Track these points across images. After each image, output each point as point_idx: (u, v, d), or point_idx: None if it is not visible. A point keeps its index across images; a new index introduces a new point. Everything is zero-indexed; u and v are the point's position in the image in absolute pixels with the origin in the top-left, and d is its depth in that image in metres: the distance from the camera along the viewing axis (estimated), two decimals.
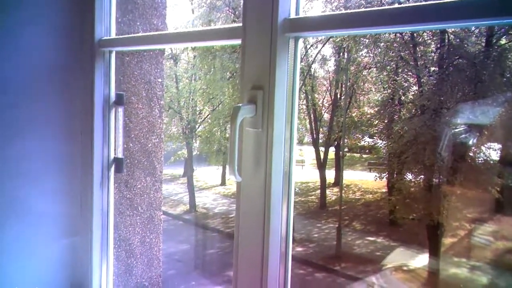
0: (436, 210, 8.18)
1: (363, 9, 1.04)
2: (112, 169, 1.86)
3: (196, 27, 11.76)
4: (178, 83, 12.82)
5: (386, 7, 1.03)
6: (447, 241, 8.35)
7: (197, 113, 13.38)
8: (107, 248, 1.90)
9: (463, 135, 7.40)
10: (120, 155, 1.85)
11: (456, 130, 7.39)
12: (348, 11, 1.07)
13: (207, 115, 13.28)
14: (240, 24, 1.22)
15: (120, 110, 1.81)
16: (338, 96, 11.01)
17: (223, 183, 13.82)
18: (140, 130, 2.02)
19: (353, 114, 10.70)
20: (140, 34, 1.90)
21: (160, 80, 2.05)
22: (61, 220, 1.86)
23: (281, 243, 1.22)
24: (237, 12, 10.77)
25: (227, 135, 12.80)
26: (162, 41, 1.63)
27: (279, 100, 1.14)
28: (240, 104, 1.16)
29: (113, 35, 1.78)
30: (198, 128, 13.34)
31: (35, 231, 1.79)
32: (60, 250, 1.87)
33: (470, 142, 7.47)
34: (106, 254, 1.90)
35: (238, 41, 1.23)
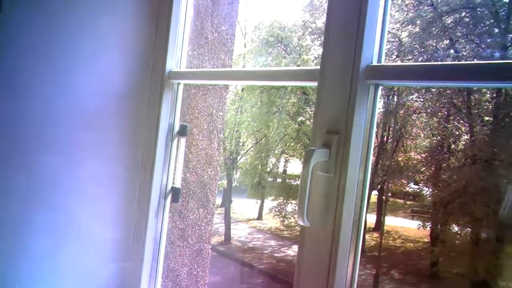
0: (482, 267, 7.74)
1: (447, 62, 1.01)
2: (169, 198, 1.87)
3: (247, 61, 12.02)
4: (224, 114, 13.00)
5: (473, 62, 1.01)
6: None
7: (240, 144, 13.48)
8: (155, 277, 1.89)
9: None
10: (178, 185, 1.86)
11: None
12: (432, 62, 1.04)
13: (250, 148, 13.34)
14: (317, 67, 1.22)
15: (183, 140, 1.84)
16: (385, 139, 10.82)
17: (259, 217, 13.69)
18: (198, 162, 2.04)
19: (399, 159, 10.44)
20: (212, 70, 1.94)
21: (221, 113, 2.08)
22: (114, 245, 1.87)
23: None
24: (288, 49, 10.93)
25: (268, 169, 12.78)
26: (234, 77, 1.66)
27: (355, 146, 1.11)
28: (313, 148, 1.14)
29: (182, 68, 1.83)
30: (239, 159, 13.41)
31: (88, 252, 1.81)
32: (110, 274, 1.88)
33: None
34: (154, 283, 1.89)
35: (314, 84, 1.23)
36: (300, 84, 1.36)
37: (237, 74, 1.67)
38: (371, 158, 1.15)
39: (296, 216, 1.19)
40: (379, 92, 1.13)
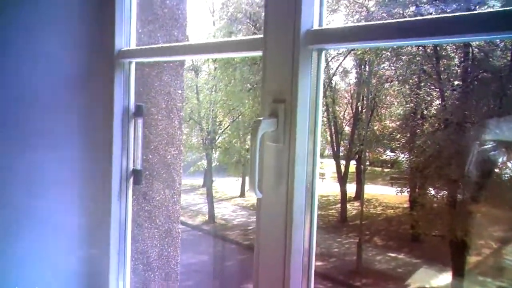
0: (460, 227, 7.96)
1: (390, 20, 0.99)
2: (131, 181, 1.84)
3: (217, 39, 11.86)
4: (198, 94, 12.91)
5: (416, 18, 0.99)
6: (471, 259, 8.11)
7: (217, 124, 13.44)
8: (124, 261, 1.88)
9: (490, 152, 7.20)
10: (138, 167, 1.83)
11: (484, 147, 7.20)
12: (374, 22, 1.03)
13: (227, 126, 13.32)
14: (261, 36, 1.19)
15: (140, 121, 1.80)
16: (360, 109, 10.90)
17: (242, 194, 13.79)
18: (159, 142, 2.01)
19: (375, 128, 10.56)
20: (160, 45, 1.89)
21: (180, 91, 2.04)
22: (78, 232, 1.84)
23: (303, 258, 1.17)
24: (257, 25, 10.81)
25: (247, 147, 12.79)
26: (182, 52, 1.61)
27: (301, 114, 1.10)
28: (261, 118, 1.12)
29: (133, 46, 1.78)
30: (218, 139, 13.38)
31: (52, 242, 1.78)
32: (77, 262, 1.85)
33: (497, 158, 7.27)
34: (123, 267, 1.88)
35: (259, 53, 1.20)
36: (248, 54, 1.32)
37: (186, 49, 1.63)
38: (320, 125, 1.14)
39: None
40: (323, 57, 1.12)
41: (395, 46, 7.86)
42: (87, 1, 1.72)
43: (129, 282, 1.92)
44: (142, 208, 2.03)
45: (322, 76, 1.13)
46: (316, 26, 1.09)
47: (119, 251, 1.87)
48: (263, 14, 1.19)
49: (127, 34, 1.73)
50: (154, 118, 1.98)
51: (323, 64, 1.12)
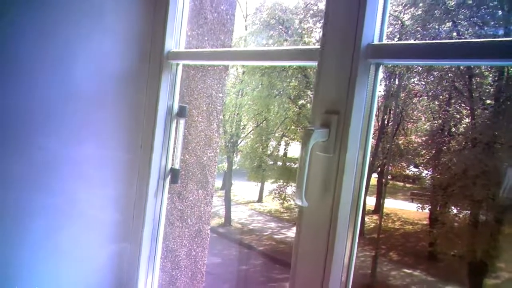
0: (480, 248, 7.81)
1: (452, 41, 0.99)
2: (168, 179, 1.87)
3: (248, 44, 11.92)
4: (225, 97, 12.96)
5: (481, 39, 0.98)
6: (489, 282, 7.94)
7: (241, 128, 13.47)
8: (154, 257, 1.90)
9: None
10: (177, 166, 1.86)
11: None
12: (437, 41, 1.02)
13: (250, 131, 13.34)
14: (317, 47, 1.20)
15: (182, 122, 1.82)
16: (386, 122, 10.79)
17: (260, 200, 13.78)
18: (198, 143, 2.03)
19: (400, 142, 10.44)
20: (211, 50, 1.91)
21: (221, 95, 2.06)
22: (113, 226, 1.88)
23: (342, 274, 1.17)
24: (289, 32, 10.82)
25: (269, 152, 12.79)
26: (233, 58, 1.63)
27: (354, 126, 1.10)
28: (313, 128, 1.13)
29: (181, 48, 1.81)
30: (240, 142, 13.41)
31: (88, 233, 1.82)
32: (109, 255, 1.89)
33: None
34: (153, 263, 1.90)
35: (313, 63, 1.21)
36: (300, 63, 1.33)
37: (237, 54, 1.65)
38: (371, 139, 1.14)
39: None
40: (380, 72, 1.12)
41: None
42: (142, 3, 1.76)
43: (157, 279, 1.94)
44: (175, 207, 2.05)
45: (378, 90, 1.13)
46: (376, 41, 1.09)
47: (151, 248, 1.90)
48: (296, 21, 1.19)
49: (177, 36, 1.76)
50: (194, 120, 2.00)
51: (379, 78, 1.12)
